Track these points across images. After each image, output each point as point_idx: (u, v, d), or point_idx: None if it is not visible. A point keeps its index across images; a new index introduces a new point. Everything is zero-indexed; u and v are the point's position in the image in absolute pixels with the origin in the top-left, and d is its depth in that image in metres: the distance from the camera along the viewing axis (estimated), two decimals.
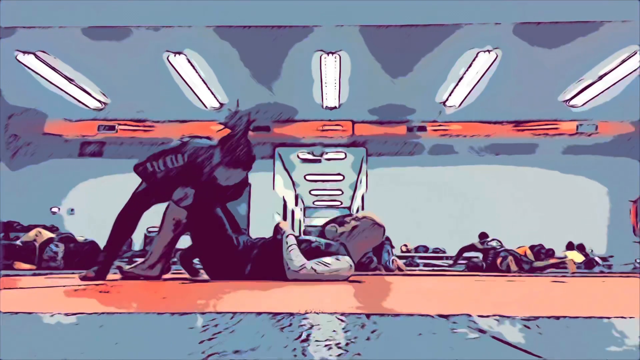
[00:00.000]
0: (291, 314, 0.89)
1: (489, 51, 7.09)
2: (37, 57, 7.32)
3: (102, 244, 2.64)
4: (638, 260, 8.23)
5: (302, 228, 18.18)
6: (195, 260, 2.87)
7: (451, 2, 5.98)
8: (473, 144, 9.94)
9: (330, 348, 0.59)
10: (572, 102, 8.76)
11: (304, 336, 0.67)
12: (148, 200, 2.54)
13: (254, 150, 2.62)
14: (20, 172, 9.79)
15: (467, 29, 6.58)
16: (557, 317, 0.91)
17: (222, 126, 2.59)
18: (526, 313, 0.94)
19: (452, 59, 7.42)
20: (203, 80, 8.11)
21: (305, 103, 9.12)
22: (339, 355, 0.55)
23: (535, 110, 9.21)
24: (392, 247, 5.76)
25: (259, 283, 2.18)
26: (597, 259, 7.72)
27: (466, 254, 7.61)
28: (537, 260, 6.72)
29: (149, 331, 0.76)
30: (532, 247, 6.98)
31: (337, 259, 2.47)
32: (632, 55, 7.01)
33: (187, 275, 2.90)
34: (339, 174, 13.95)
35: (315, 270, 2.40)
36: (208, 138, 2.71)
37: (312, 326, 0.77)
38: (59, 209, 9.77)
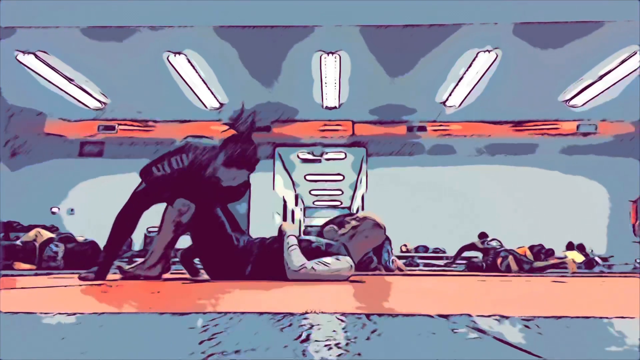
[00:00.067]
0: (291, 314, 0.89)
1: (489, 51, 7.09)
2: (37, 57, 7.32)
3: (102, 244, 2.64)
4: (638, 260, 8.23)
5: (302, 228, 18.18)
6: (196, 260, 2.87)
7: (451, 2, 5.98)
8: (473, 144, 9.95)
9: (330, 348, 0.59)
10: (572, 102, 8.76)
11: (304, 336, 0.67)
12: (148, 200, 2.54)
13: (258, 150, 2.62)
14: (20, 172, 9.79)
15: (467, 29, 6.59)
16: (557, 317, 0.91)
17: (225, 126, 2.59)
18: (526, 313, 0.94)
19: (452, 59, 7.42)
20: (203, 80, 8.11)
21: (305, 103, 9.12)
22: (339, 355, 0.55)
23: (535, 110, 9.22)
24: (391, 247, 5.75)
25: (259, 283, 2.18)
26: (597, 259, 7.72)
27: (466, 254, 7.61)
28: (537, 260, 6.72)
29: (149, 331, 0.76)
30: (532, 247, 6.97)
31: (338, 259, 2.47)
32: (632, 55, 7.02)
33: (187, 275, 2.90)
34: (339, 174, 13.96)
35: (315, 270, 2.40)
36: (209, 138, 2.71)
37: (312, 326, 0.77)
38: (59, 209, 9.77)
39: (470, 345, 0.64)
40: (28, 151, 9.92)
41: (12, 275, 3.25)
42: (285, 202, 13.57)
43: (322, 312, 0.94)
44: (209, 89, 8.45)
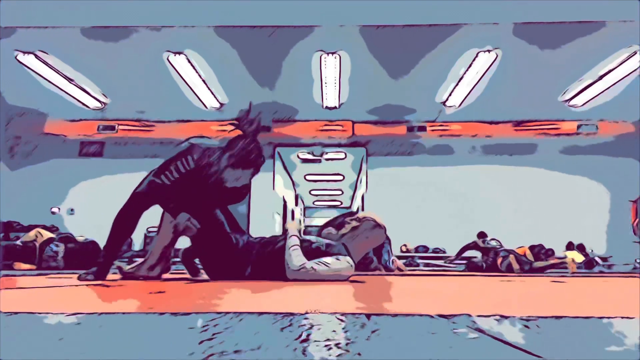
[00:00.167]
0: (291, 314, 0.89)
1: (489, 51, 7.09)
2: (37, 57, 7.32)
3: (102, 244, 2.64)
4: (638, 260, 8.23)
5: (302, 228, 18.17)
6: (197, 260, 2.87)
7: (451, 2, 5.98)
8: (473, 144, 9.95)
9: (330, 348, 0.59)
10: (572, 102, 8.76)
11: (304, 336, 0.67)
12: (148, 201, 2.54)
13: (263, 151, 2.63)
14: (20, 172, 9.79)
15: (467, 29, 6.59)
16: (557, 317, 0.91)
17: (231, 126, 2.59)
18: (526, 313, 0.94)
19: (452, 59, 7.42)
20: (203, 80, 8.11)
21: (305, 103, 9.12)
22: (339, 355, 0.55)
23: (535, 110, 9.22)
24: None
25: (259, 283, 2.18)
26: (597, 259, 7.72)
27: (466, 254, 7.60)
28: (537, 260, 6.72)
29: (149, 331, 0.76)
30: (532, 247, 6.97)
31: (338, 259, 2.48)
32: (632, 55, 7.02)
33: (187, 275, 2.90)
34: (339, 174, 13.96)
35: (315, 270, 2.40)
36: (209, 138, 2.71)
37: (312, 326, 0.77)
38: (59, 209, 9.77)
39: (470, 345, 0.64)
40: (28, 151, 9.92)
41: (12, 275, 3.25)
42: (285, 202, 13.57)
43: (322, 312, 0.94)
44: (209, 89, 8.45)
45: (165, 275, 2.79)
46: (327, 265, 2.42)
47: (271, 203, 10.32)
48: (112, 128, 9.84)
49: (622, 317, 0.94)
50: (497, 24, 6.48)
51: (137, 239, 8.89)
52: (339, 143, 10.26)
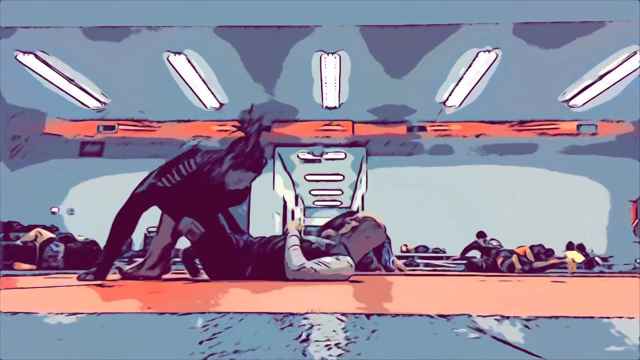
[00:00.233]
0: (291, 314, 0.89)
1: (489, 51, 7.09)
2: (37, 57, 7.32)
3: (102, 244, 2.64)
4: (638, 260, 8.23)
5: (303, 227, 18.17)
6: (197, 260, 2.87)
7: (451, 2, 5.98)
8: (473, 144, 9.94)
9: (330, 348, 0.59)
10: (572, 102, 8.76)
11: (304, 336, 0.67)
12: (147, 202, 2.53)
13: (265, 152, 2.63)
14: (20, 172, 9.79)
15: (467, 29, 6.58)
16: (557, 317, 0.91)
17: (233, 128, 2.59)
18: (526, 313, 0.94)
19: (452, 59, 7.42)
20: (203, 80, 8.11)
21: (305, 103, 9.12)
22: (339, 355, 0.55)
23: (535, 110, 9.22)
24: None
25: (259, 283, 2.18)
26: (597, 259, 7.72)
27: (468, 253, 7.61)
28: (537, 261, 6.71)
29: (149, 331, 0.76)
30: (532, 247, 6.97)
31: (338, 259, 2.48)
32: (632, 55, 7.01)
33: (187, 275, 2.90)
34: (339, 174, 13.96)
35: (315, 270, 2.40)
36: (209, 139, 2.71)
37: (312, 326, 0.77)
38: (59, 209, 9.77)
39: (470, 345, 0.64)
40: (28, 151, 9.92)
41: (12, 275, 3.25)
42: (285, 202, 13.57)
43: (322, 312, 0.94)
44: (209, 89, 8.44)
45: (165, 275, 2.79)
46: (326, 265, 2.43)
47: (271, 203, 10.32)
48: (112, 128, 9.84)
49: (622, 317, 0.94)
50: (497, 24, 6.48)
51: (137, 239, 8.89)
52: (339, 143, 10.26)
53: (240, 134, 2.58)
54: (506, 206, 9.42)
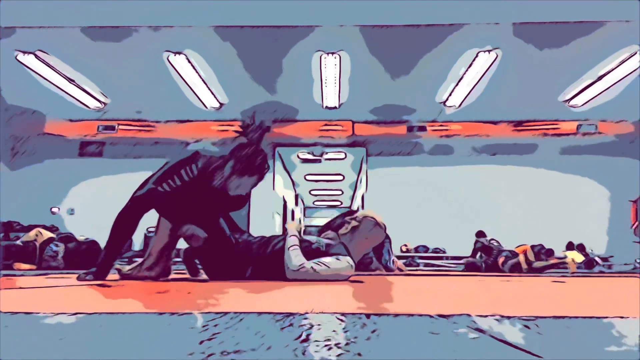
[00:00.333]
0: (291, 314, 0.89)
1: (489, 51, 7.09)
2: (37, 57, 7.32)
3: (102, 244, 2.64)
4: (638, 260, 8.23)
5: (303, 227, 18.17)
6: (197, 260, 2.87)
7: (451, 2, 5.98)
8: (473, 144, 9.94)
9: (330, 348, 0.59)
10: (572, 102, 8.76)
11: (304, 336, 0.67)
12: (148, 204, 2.53)
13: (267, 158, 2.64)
14: (20, 172, 9.79)
15: (467, 29, 6.58)
16: (557, 317, 0.91)
17: (234, 133, 2.60)
18: (526, 313, 0.94)
19: (452, 59, 7.42)
20: (203, 80, 8.11)
21: (305, 103, 9.12)
22: (339, 355, 0.55)
23: (535, 110, 9.21)
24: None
25: (259, 283, 2.18)
26: (597, 259, 7.72)
27: (465, 254, 7.60)
28: (537, 261, 6.71)
29: (149, 331, 0.76)
30: (532, 247, 6.97)
31: (338, 259, 2.48)
32: (632, 55, 7.01)
33: (187, 276, 2.90)
34: (339, 174, 13.96)
35: (314, 270, 2.40)
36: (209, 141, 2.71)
37: (312, 326, 0.77)
38: (59, 209, 9.77)
39: (470, 345, 0.64)
40: (28, 151, 9.92)
41: (12, 275, 3.25)
42: (285, 202, 13.57)
43: (322, 312, 0.94)
44: (209, 89, 8.44)
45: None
46: (326, 266, 2.43)
47: (271, 203, 10.31)
48: (112, 128, 9.84)
49: (622, 317, 0.94)
50: (497, 24, 6.48)
51: (137, 239, 8.89)
52: (339, 143, 10.26)
53: (243, 139, 2.58)
54: (506, 206, 9.42)
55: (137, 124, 9.86)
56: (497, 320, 0.85)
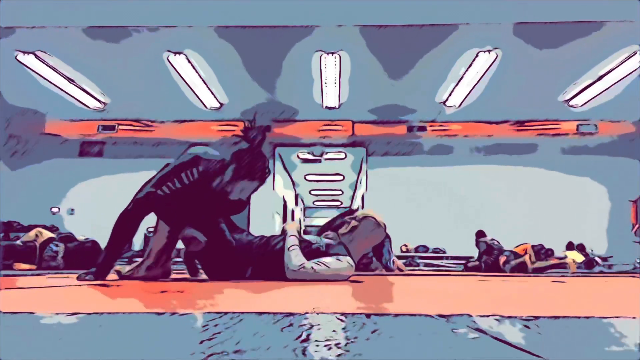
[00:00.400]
0: (291, 314, 0.89)
1: (489, 51, 7.09)
2: (37, 57, 7.31)
3: (102, 244, 2.63)
4: (638, 260, 8.23)
5: (302, 228, 18.17)
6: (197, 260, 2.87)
7: (451, 2, 5.98)
8: (473, 144, 9.94)
9: (330, 348, 0.59)
10: (572, 102, 8.76)
11: (304, 336, 0.67)
12: (150, 207, 2.52)
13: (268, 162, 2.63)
14: (20, 172, 9.79)
15: (467, 29, 6.58)
16: (557, 317, 0.91)
17: (236, 138, 2.59)
18: (526, 313, 0.94)
19: (452, 59, 7.41)
20: (203, 80, 8.11)
21: (305, 103, 9.12)
22: (339, 355, 0.55)
23: (535, 110, 9.21)
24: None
25: (259, 283, 2.18)
26: (597, 259, 7.72)
27: (466, 254, 7.60)
28: (537, 260, 6.71)
29: (149, 331, 0.76)
30: (532, 247, 6.97)
31: (338, 259, 2.48)
32: (632, 55, 7.01)
33: (186, 275, 2.90)
34: (339, 174, 13.96)
35: (314, 270, 2.40)
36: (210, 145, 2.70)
37: (312, 326, 0.77)
38: (59, 209, 9.77)
39: (470, 345, 0.64)
40: (28, 151, 9.92)
41: (12, 275, 3.25)
42: (285, 202, 13.57)
43: (322, 312, 0.94)
44: (209, 89, 8.44)
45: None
46: (326, 266, 2.43)
47: (271, 203, 10.31)
48: (112, 128, 9.84)
49: (622, 317, 0.94)
50: (497, 24, 6.48)
51: (138, 239, 8.89)
52: (339, 143, 10.26)
53: (244, 143, 2.58)
54: (506, 206, 9.42)
55: (137, 124, 9.86)
56: (497, 320, 0.85)
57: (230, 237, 2.61)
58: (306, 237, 2.68)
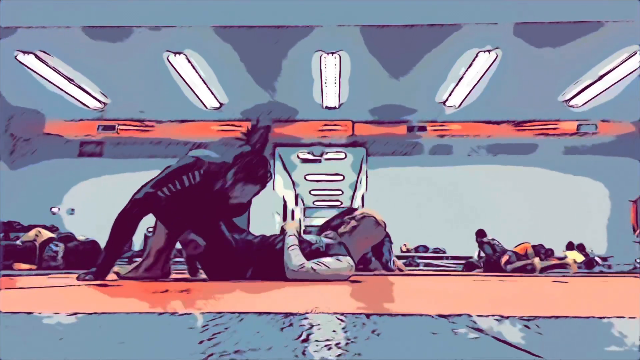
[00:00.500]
0: (291, 314, 0.89)
1: (489, 51, 7.09)
2: (37, 57, 7.32)
3: (102, 243, 2.63)
4: (638, 260, 8.23)
5: (302, 228, 18.17)
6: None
7: (451, 2, 5.98)
8: (473, 144, 9.94)
9: (330, 348, 0.59)
10: (572, 102, 8.76)
11: (304, 336, 0.67)
12: (148, 207, 2.52)
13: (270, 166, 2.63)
14: (20, 172, 9.79)
15: (467, 29, 6.58)
16: (557, 317, 0.91)
17: (238, 141, 2.59)
18: (526, 313, 0.94)
19: (452, 59, 7.42)
20: (203, 80, 8.11)
21: (305, 103, 9.12)
22: (339, 355, 0.55)
23: (535, 110, 9.21)
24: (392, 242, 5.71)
25: (259, 283, 2.18)
26: (597, 259, 7.72)
27: (465, 253, 7.59)
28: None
29: (149, 331, 0.76)
30: (532, 247, 6.96)
31: (338, 260, 2.48)
32: (632, 55, 7.01)
33: (186, 275, 2.90)
34: (339, 174, 13.96)
35: (314, 270, 2.40)
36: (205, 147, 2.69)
37: (312, 326, 0.77)
38: (59, 209, 9.77)
39: (470, 345, 0.64)
40: (28, 151, 9.92)
41: (12, 275, 3.25)
42: (285, 202, 13.56)
43: (322, 312, 0.94)
44: (209, 89, 8.44)
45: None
46: (326, 266, 2.42)
47: (271, 203, 10.31)
48: (112, 128, 9.84)
49: (622, 317, 0.93)
50: (497, 24, 6.48)
51: (137, 239, 8.89)
52: (339, 143, 10.26)
53: (246, 146, 2.58)
54: (506, 206, 9.42)
55: (137, 124, 9.86)
56: (497, 320, 0.85)
57: (230, 237, 2.61)
58: (306, 236, 2.68)
